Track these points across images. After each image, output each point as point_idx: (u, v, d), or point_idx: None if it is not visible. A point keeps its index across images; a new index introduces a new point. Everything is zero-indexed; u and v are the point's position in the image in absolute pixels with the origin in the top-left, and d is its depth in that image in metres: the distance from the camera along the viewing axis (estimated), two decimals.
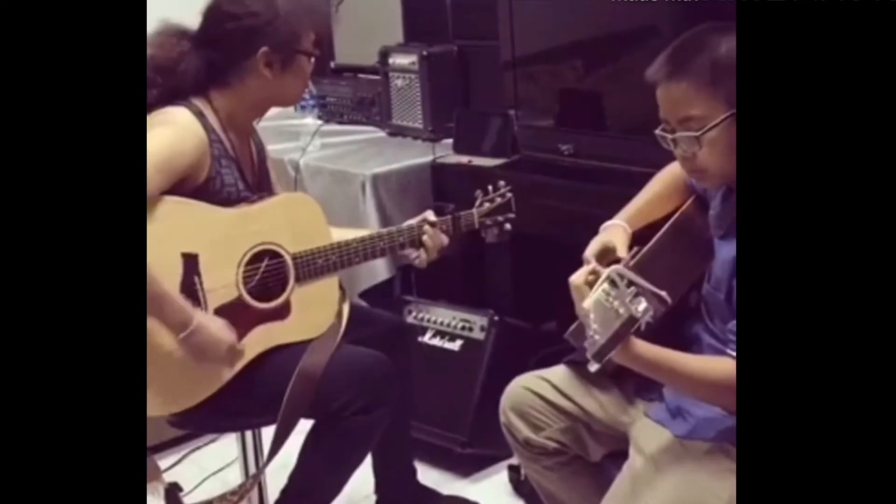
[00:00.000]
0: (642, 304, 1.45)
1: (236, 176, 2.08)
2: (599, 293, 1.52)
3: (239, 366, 2.03)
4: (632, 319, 1.45)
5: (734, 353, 1.60)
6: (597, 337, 1.49)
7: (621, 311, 1.46)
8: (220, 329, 1.98)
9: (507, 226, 2.32)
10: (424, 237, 2.20)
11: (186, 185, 1.98)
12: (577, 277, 1.64)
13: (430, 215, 2.24)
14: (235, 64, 2.06)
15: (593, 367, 1.52)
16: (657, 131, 1.69)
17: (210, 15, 2.07)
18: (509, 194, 2.31)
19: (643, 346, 1.60)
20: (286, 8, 2.06)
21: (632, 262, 1.85)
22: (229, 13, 2.05)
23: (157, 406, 1.96)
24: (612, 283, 1.50)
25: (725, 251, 1.70)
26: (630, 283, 1.48)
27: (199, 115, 2.03)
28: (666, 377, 1.68)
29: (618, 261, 1.82)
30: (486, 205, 2.30)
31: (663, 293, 1.51)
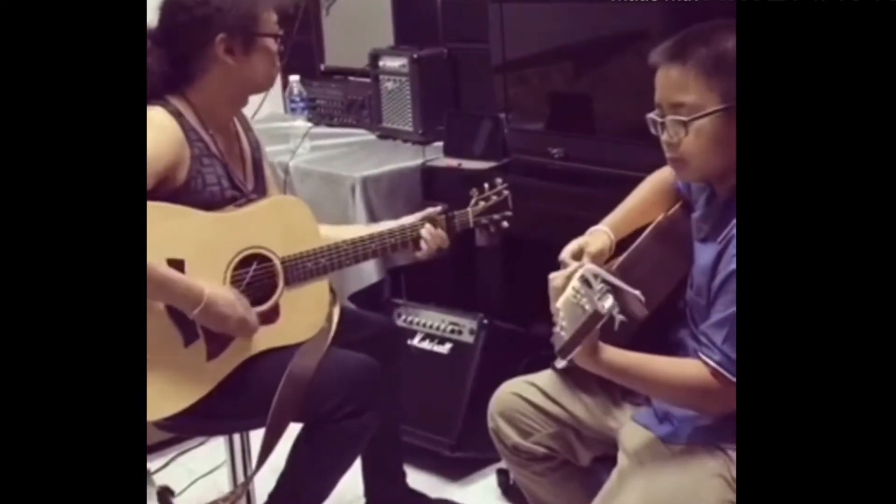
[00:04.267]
0: (608, 301, 1.45)
1: (220, 174, 2.06)
2: (569, 291, 1.53)
3: (228, 370, 2.02)
4: (596, 315, 1.45)
5: (705, 357, 1.62)
6: (563, 333, 1.51)
7: (587, 307, 1.46)
8: (230, 301, 1.97)
9: (505, 223, 2.28)
10: (423, 231, 2.18)
11: (166, 187, 1.96)
12: (557, 278, 1.65)
13: (431, 213, 2.22)
14: (196, 56, 2.03)
15: (560, 363, 1.53)
16: (649, 115, 1.70)
17: (164, 9, 2.05)
18: (506, 192, 2.27)
19: (612, 353, 1.61)
20: None
21: (615, 265, 1.85)
22: (180, 4, 2.02)
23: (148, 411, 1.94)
24: (586, 281, 1.50)
25: (705, 255, 1.70)
26: (604, 282, 1.49)
27: (177, 115, 2.01)
28: (636, 383, 1.70)
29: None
30: (482, 203, 2.27)
31: (637, 292, 1.51)
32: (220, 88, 2.06)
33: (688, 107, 1.63)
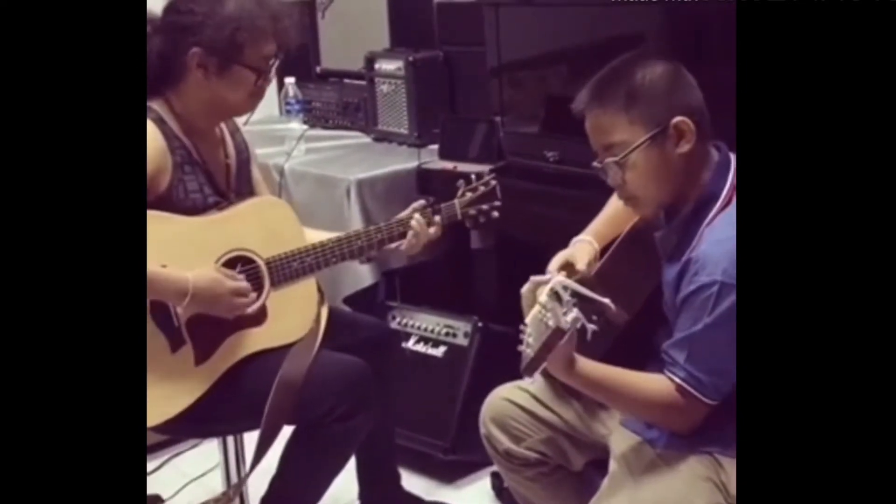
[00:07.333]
0: (571, 315, 1.45)
1: (202, 181, 2.05)
2: (537, 307, 1.53)
3: (217, 374, 2.02)
4: (558, 331, 1.45)
5: (670, 374, 1.64)
6: (528, 350, 1.50)
7: (551, 323, 1.46)
8: (215, 279, 1.97)
9: (495, 214, 2.26)
10: (412, 223, 2.16)
11: (148, 195, 1.95)
12: (523, 293, 1.65)
13: (418, 206, 2.20)
14: (174, 58, 2.01)
15: (526, 380, 1.53)
16: (594, 163, 1.73)
17: (167, 4, 2.05)
18: (493, 182, 2.25)
19: (588, 366, 1.62)
20: (235, 14, 1.99)
21: (592, 273, 1.85)
22: (175, 5, 2.02)
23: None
24: (556, 294, 1.50)
25: (669, 273, 1.71)
26: (574, 294, 1.48)
27: (160, 122, 2.01)
28: (606, 395, 1.71)
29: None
30: (469, 194, 2.25)
31: (606, 300, 1.51)
32: (195, 100, 2.04)
33: (617, 146, 1.67)
